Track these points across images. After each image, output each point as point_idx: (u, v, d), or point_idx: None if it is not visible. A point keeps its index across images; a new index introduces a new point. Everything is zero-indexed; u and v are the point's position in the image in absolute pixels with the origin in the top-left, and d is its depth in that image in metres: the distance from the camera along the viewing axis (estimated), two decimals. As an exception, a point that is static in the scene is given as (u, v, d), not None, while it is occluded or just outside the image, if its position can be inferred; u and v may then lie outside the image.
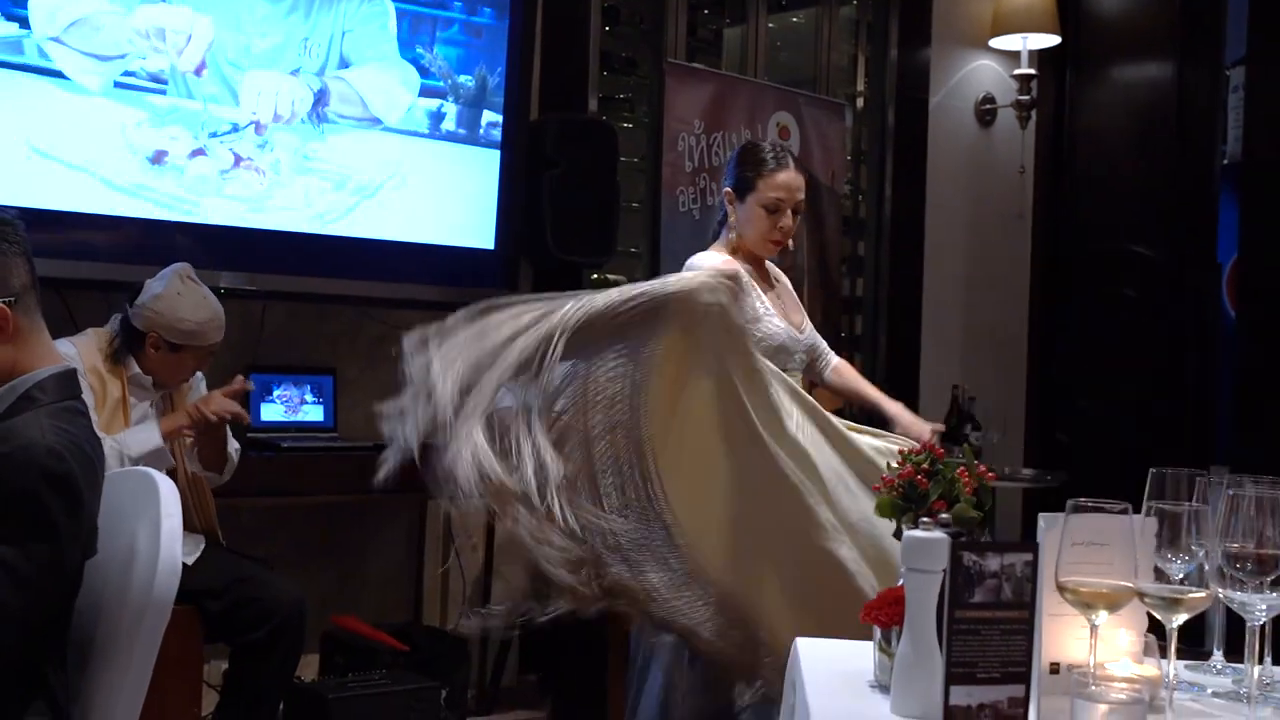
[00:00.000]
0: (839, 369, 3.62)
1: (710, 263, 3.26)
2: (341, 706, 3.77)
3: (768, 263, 3.55)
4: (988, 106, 6.39)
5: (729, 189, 3.43)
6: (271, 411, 4.34)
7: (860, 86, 6.23)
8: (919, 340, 6.14)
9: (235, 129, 4.13)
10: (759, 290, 3.37)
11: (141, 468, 2.26)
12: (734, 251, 3.41)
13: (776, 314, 3.36)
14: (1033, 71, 6.21)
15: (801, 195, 3.40)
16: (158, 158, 3.98)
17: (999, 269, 6.45)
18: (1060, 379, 6.45)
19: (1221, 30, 6.02)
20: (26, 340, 2.03)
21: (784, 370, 3.24)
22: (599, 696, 4.21)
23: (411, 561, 4.85)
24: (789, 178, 3.36)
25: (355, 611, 4.45)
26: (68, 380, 2.04)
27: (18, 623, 1.87)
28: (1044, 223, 6.51)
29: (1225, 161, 6.22)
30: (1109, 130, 6.35)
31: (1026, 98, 6.23)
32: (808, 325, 3.50)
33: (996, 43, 6.21)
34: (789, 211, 3.37)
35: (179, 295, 3.51)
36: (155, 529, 1.97)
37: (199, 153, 4.06)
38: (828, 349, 3.63)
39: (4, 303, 1.99)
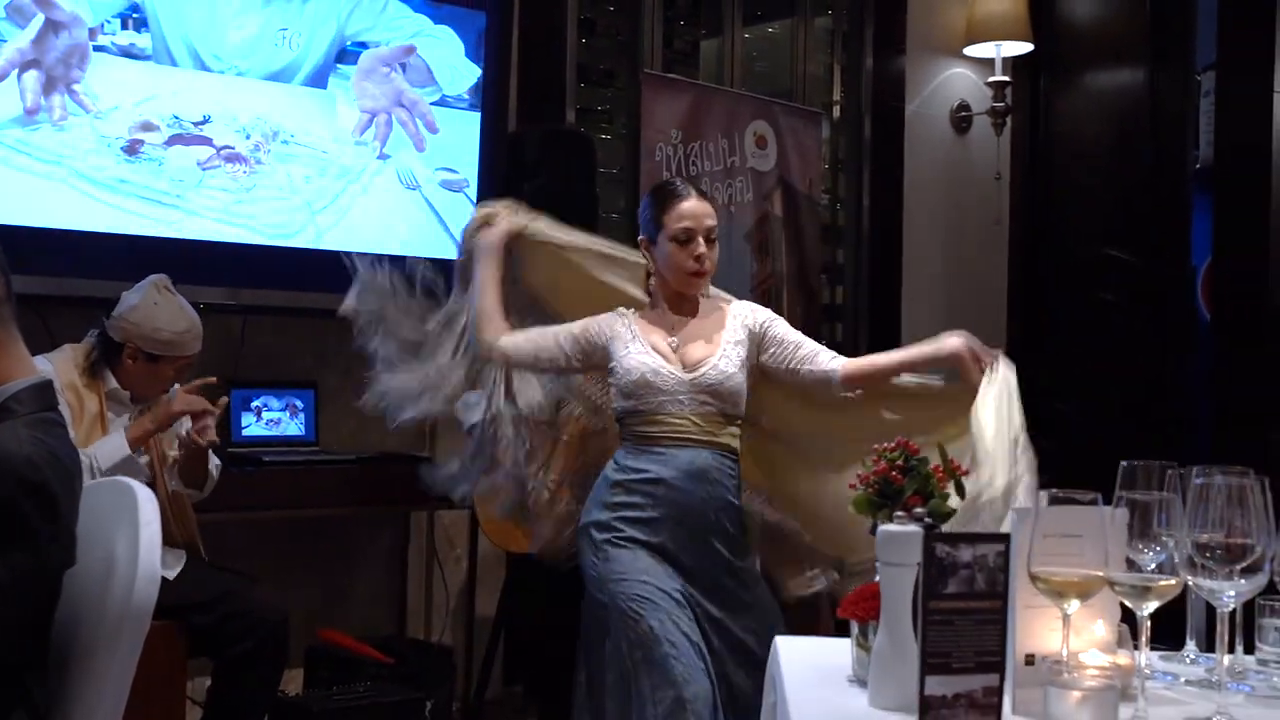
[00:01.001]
0: (849, 371, 3.30)
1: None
2: (325, 719, 3.77)
3: (717, 300, 3.45)
4: (963, 114, 6.43)
5: (642, 239, 3.35)
6: (253, 426, 4.34)
7: (836, 96, 6.27)
8: (899, 345, 6.15)
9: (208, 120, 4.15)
10: (635, 330, 3.30)
11: (120, 478, 2.26)
12: (654, 301, 3.37)
13: (649, 350, 3.25)
14: (1007, 79, 6.25)
15: (711, 222, 3.28)
16: (132, 147, 3.99)
17: (977, 275, 6.49)
18: (1039, 383, 6.47)
19: (1192, 35, 6.06)
20: (2, 353, 2.04)
21: (660, 411, 3.20)
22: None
23: (395, 574, 4.85)
24: (693, 205, 3.27)
25: (340, 625, 4.45)
26: (44, 391, 2.04)
27: (-2, 632, 1.88)
28: (1021, 228, 6.55)
29: (1198, 165, 6.26)
30: (1083, 136, 6.39)
31: (1001, 104, 6.27)
32: (728, 366, 3.25)
33: (971, 51, 6.25)
34: (700, 239, 3.25)
35: (156, 305, 3.52)
36: (134, 538, 1.97)
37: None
38: (823, 356, 3.32)
39: (-21, 315, 2.00)
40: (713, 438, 3.22)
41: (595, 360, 3.33)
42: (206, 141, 4.13)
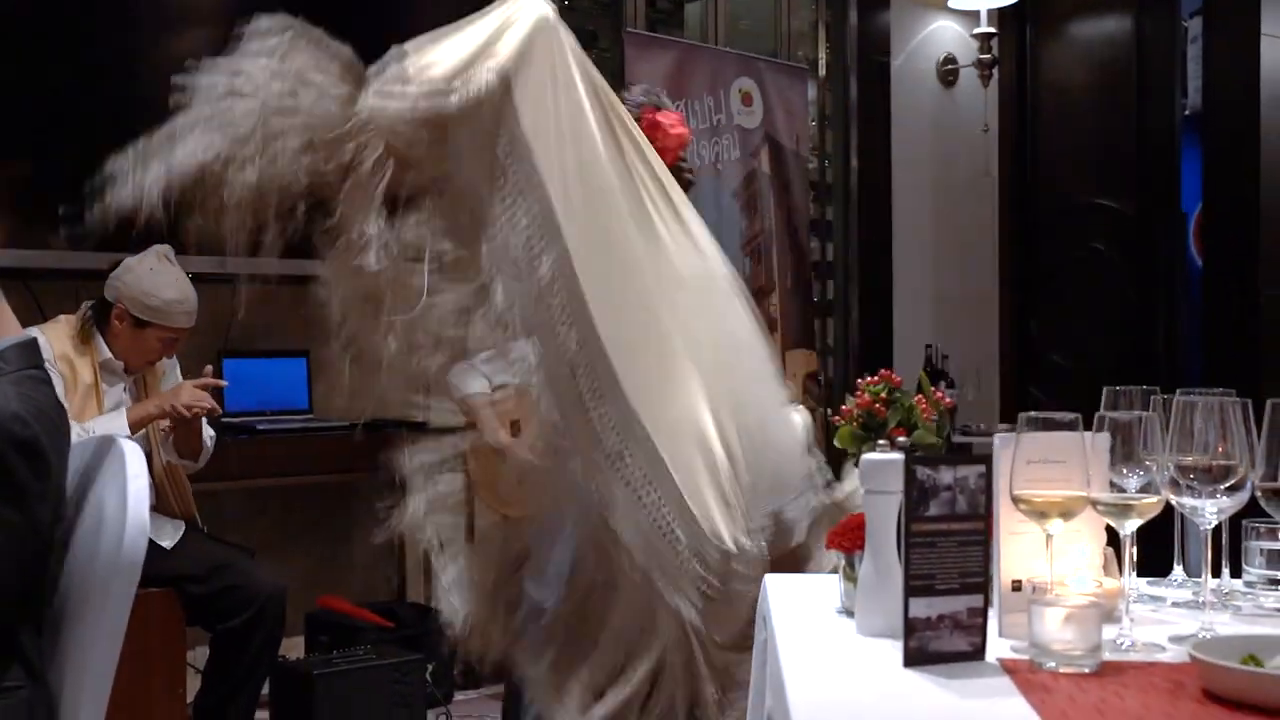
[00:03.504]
0: None
1: None
2: (326, 682, 3.79)
3: None
4: (949, 67, 6.42)
5: None
6: (245, 395, 4.34)
7: (822, 53, 6.24)
8: (890, 302, 6.17)
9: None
10: None
11: (106, 433, 2.26)
12: None
13: None
14: (993, 30, 6.23)
15: None
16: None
17: (968, 227, 6.49)
18: (1032, 334, 6.50)
19: (1177, -19, 6.06)
20: (-16, 313, 2.04)
21: None
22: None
23: (393, 539, 4.85)
24: None
25: (339, 591, 4.47)
26: (29, 350, 2.04)
27: (-8, 588, 1.89)
28: (1010, 180, 6.55)
29: (1186, 112, 6.25)
30: (1070, 85, 6.38)
31: (988, 56, 6.25)
32: None
33: (955, 2, 6.22)
34: None
35: (152, 271, 3.53)
36: (122, 491, 1.97)
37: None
38: None
39: (-38, 275, 2.00)
40: None
41: None
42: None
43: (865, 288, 6.12)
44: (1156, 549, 2.02)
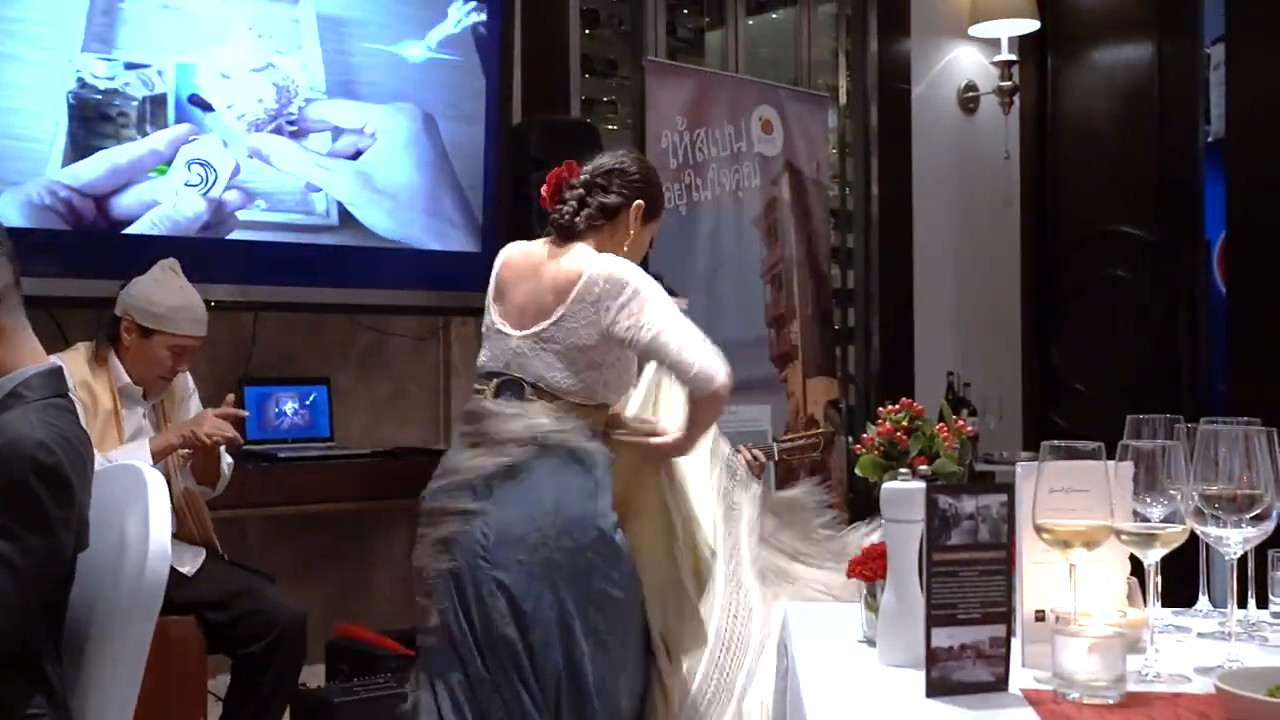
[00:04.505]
0: None
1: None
2: (347, 711, 3.79)
3: None
4: (970, 94, 6.42)
5: (642, 204, 3.08)
6: (267, 423, 4.35)
7: (842, 80, 6.26)
8: (911, 329, 6.16)
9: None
10: None
11: (128, 462, 2.27)
12: None
13: None
14: (1014, 57, 6.24)
15: None
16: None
17: (989, 255, 6.47)
18: (1055, 362, 6.48)
19: (1199, 8, 6.05)
20: (11, 340, 2.05)
21: None
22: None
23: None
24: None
25: (360, 619, 4.46)
26: (54, 378, 2.06)
27: (17, 615, 1.89)
28: (1032, 207, 6.54)
29: (1210, 139, 6.24)
30: (1092, 113, 6.38)
31: (1009, 84, 6.26)
32: None
33: (976, 30, 6.23)
34: None
35: (155, 280, 3.57)
36: (144, 520, 1.98)
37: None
38: None
39: (-12, 303, 2.02)
40: None
41: None
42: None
43: (886, 315, 6.11)
44: (1181, 579, 2.01)
